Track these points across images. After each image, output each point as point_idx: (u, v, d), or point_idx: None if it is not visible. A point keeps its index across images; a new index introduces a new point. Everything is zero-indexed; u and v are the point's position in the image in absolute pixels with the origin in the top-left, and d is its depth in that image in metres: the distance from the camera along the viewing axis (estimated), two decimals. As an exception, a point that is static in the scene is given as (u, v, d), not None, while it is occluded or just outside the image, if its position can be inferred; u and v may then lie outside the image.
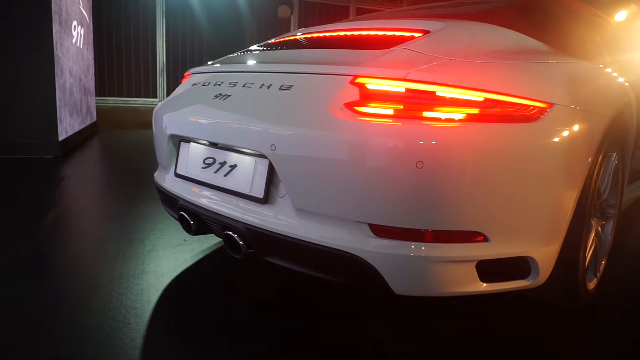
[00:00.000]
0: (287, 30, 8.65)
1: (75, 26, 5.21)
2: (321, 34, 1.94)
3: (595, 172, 1.51)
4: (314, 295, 1.78)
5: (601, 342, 1.55)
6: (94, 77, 6.42)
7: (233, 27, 8.41)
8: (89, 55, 6.18)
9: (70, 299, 1.68)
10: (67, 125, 4.80)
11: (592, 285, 1.74)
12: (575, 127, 1.38)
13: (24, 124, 4.31)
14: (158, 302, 1.68)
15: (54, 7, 4.25)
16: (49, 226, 2.48)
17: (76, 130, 5.17)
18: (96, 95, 6.77)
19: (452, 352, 1.44)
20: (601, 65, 1.97)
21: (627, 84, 2.00)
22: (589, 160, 1.46)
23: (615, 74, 1.98)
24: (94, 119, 6.31)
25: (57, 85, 4.38)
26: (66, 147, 4.66)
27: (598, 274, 1.81)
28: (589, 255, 1.67)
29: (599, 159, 1.53)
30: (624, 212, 2.43)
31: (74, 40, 5.15)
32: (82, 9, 5.62)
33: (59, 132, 4.43)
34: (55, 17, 4.30)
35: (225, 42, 8.20)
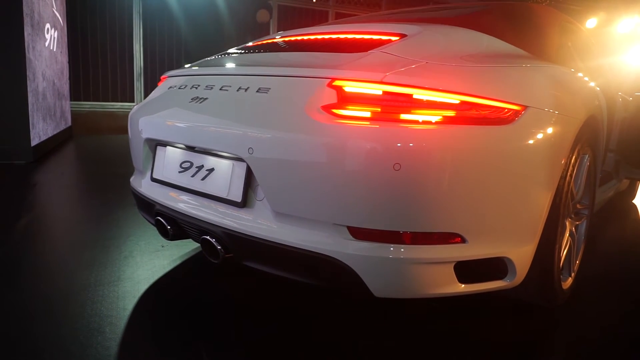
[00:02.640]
0: (266, 34, 8.65)
1: (48, 29, 5.09)
2: (299, 37, 1.94)
3: (569, 174, 1.54)
4: (294, 299, 1.76)
5: (576, 340, 1.58)
6: (68, 81, 6.28)
7: (212, 32, 8.36)
8: (63, 59, 6.05)
9: (42, 308, 1.63)
10: (40, 130, 4.67)
11: (567, 284, 1.77)
12: (549, 130, 1.41)
13: (-5, 129, 4.18)
14: (134, 309, 1.64)
15: (25, 9, 4.14)
16: (20, 233, 2.40)
17: (50, 135, 5.04)
18: (71, 100, 6.62)
19: (434, 351, 1.45)
20: (573, 70, 2.02)
21: (597, 88, 2.06)
22: (563, 161, 1.49)
23: (586, 79, 2.03)
24: (69, 123, 6.17)
25: (29, 89, 4.26)
26: (39, 153, 4.53)
27: (573, 274, 1.85)
28: (563, 255, 1.70)
29: (572, 161, 1.56)
30: (596, 213, 2.49)
31: (47, 44, 5.03)
32: (55, 12, 5.50)
33: (31, 137, 4.31)
34: (26, 20, 4.19)
35: (203, 46, 8.15)
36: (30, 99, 4.31)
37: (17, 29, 4.09)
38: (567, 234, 1.73)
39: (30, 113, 4.29)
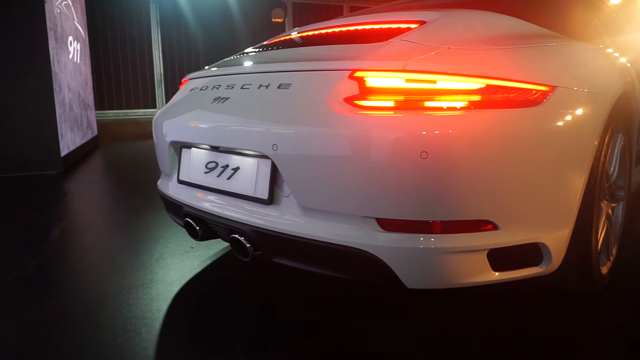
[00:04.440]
0: (282, 32, 8.66)
1: (71, 42, 5.22)
2: (316, 32, 1.93)
3: (603, 154, 1.49)
4: (325, 296, 1.76)
5: (618, 326, 1.53)
6: (92, 91, 6.43)
7: (228, 33, 8.42)
8: (87, 70, 6.20)
9: (79, 313, 1.67)
10: (69, 140, 4.80)
11: (605, 269, 1.71)
12: (579, 110, 1.36)
13: (26, 142, 4.32)
14: (168, 310, 1.66)
15: (48, 24, 4.26)
16: (55, 241, 2.48)
17: (78, 145, 5.18)
18: (96, 109, 6.78)
19: (465, 341, 1.42)
20: (601, 46, 1.94)
21: (628, 64, 1.98)
22: (595, 142, 1.43)
23: (616, 54, 1.95)
24: (95, 132, 6.32)
25: (56, 101, 4.39)
26: (69, 163, 4.66)
27: (611, 257, 1.78)
28: (601, 238, 1.64)
29: (606, 140, 1.51)
30: (633, 194, 2.40)
31: (70, 56, 5.16)
32: (77, 24, 5.64)
33: (60, 148, 4.43)
34: (50, 34, 4.30)
35: (221, 48, 8.21)
36: (58, 111, 4.43)
37: (41, 43, 4.21)
38: (603, 217, 1.68)
39: (58, 124, 4.41)
